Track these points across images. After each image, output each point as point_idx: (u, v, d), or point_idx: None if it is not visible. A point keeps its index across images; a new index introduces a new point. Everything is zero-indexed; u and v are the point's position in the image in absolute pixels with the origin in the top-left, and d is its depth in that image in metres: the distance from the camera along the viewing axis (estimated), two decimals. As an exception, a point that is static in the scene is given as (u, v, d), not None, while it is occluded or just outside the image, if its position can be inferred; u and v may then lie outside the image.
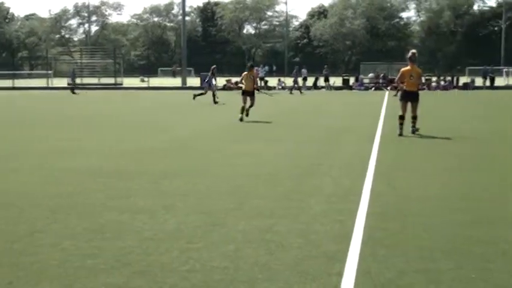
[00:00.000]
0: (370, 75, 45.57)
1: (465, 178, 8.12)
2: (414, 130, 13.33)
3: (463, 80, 45.00)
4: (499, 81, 44.81)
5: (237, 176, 8.35)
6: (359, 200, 6.70)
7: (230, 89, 42.80)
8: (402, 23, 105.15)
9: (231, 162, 9.67)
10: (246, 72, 18.22)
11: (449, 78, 43.97)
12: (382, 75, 44.03)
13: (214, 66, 27.74)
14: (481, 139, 12.58)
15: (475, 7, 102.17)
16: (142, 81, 57.46)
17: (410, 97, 13.60)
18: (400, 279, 4.22)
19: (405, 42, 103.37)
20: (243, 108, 17.22)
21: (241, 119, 16.77)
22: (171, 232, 5.48)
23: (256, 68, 31.60)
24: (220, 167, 9.18)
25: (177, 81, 54.30)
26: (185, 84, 48.79)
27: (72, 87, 40.00)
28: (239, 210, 6.30)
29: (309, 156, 10.28)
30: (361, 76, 46.03)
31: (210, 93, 26.72)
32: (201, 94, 27.60)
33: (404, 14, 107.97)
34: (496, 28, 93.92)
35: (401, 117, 13.23)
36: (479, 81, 43.05)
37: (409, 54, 13.89)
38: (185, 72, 51.27)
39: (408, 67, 13.74)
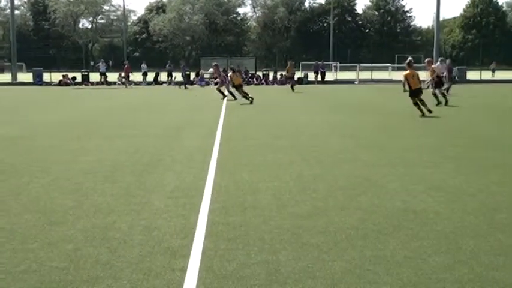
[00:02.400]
0: (211, 70, 46.02)
1: (301, 171, 8.40)
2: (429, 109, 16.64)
3: (298, 75, 47.10)
4: (329, 76, 47.52)
5: (77, 173, 8.08)
6: (202, 194, 6.75)
7: (67, 84, 41.07)
8: (239, 18, 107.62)
9: (70, 159, 9.35)
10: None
11: (285, 73, 45.76)
12: (222, 70, 44.60)
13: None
14: (319, 132, 13.21)
15: (306, 4, 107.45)
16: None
17: (418, 92, 16.57)
18: (241, 271, 4.31)
19: (243, 38, 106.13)
20: None
21: None
22: (2, 232, 5.18)
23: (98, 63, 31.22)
24: (58, 164, 8.82)
25: (6, 77, 50.93)
26: (16, 79, 45.97)
27: None
28: (78, 208, 6.10)
29: (151, 151, 10.19)
30: (202, 71, 46.39)
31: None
32: (221, 92, 25.40)
33: (241, 10, 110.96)
34: (325, 24, 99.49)
35: (416, 104, 16.58)
36: (311, 76, 45.28)
37: (407, 61, 16.99)
38: (15, 68, 48.29)
39: (408, 71, 16.66)
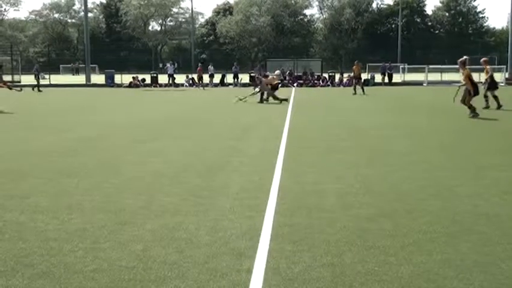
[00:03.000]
0: (277, 72, 46.13)
1: (368, 172, 8.32)
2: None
3: (364, 76, 46.53)
4: (396, 78, 46.72)
5: (145, 174, 8.24)
6: (267, 196, 6.77)
7: (136, 86, 42.12)
8: (306, 20, 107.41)
9: (139, 160, 9.54)
10: None
11: (351, 74, 45.34)
12: (288, 72, 44.76)
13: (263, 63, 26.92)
14: (384, 134, 13.03)
15: (374, 5, 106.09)
16: (43, 78, 55.36)
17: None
18: (307, 273, 4.30)
19: (309, 39, 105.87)
20: None
21: None
22: (75, 232, 5.34)
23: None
24: (127, 165, 9.03)
25: (81, 78, 52.72)
26: (89, 81, 47.53)
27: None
28: (147, 208, 6.22)
29: (217, 152, 10.30)
30: (268, 73, 46.53)
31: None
32: (253, 94, 25.85)
33: (308, 12, 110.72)
34: (393, 25, 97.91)
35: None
36: (378, 77, 44.66)
37: (463, 59, 16.60)
38: (89, 70, 49.92)
39: (466, 71, 16.27)
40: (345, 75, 44.90)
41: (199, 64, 43.34)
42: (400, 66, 51.95)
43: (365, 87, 33.17)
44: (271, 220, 5.73)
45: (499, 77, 42.83)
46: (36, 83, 38.23)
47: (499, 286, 4.02)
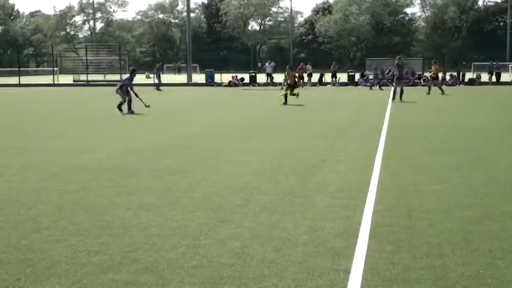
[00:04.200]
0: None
1: (472, 174, 8.08)
2: None
3: (469, 75, 44.80)
4: (505, 77, 44.60)
5: (243, 172, 8.35)
6: (365, 195, 6.69)
7: (235, 85, 42.80)
8: (407, 18, 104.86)
9: (237, 159, 9.68)
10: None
11: (455, 74, 43.78)
12: (387, 71, 43.83)
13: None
14: (490, 134, 12.53)
15: (480, 2, 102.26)
16: (148, 77, 57.53)
17: None
18: (406, 275, 4.22)
19: (410, 38, 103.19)
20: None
21: None
22: (177, 228, 5.48)
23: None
24: (226, 163, 9.18)
25: (182, 78, 54.30)
26: (191, 80, 48.81)
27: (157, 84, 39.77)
28: (245, 206, 6.30)
29: (314, 151, 10.27)
30: (367, 72, 45.87)
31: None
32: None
33: (409, 10, 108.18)
34: (501, 23, 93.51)
35: None
36: (485, 76, 42.85)
37: None
38: (190, 69, 51.27)
39: None
40: (448, 74, 43.39)
41: (302, 63, 43.47)
42: (510, 66, 49.60)
43: (470, 87, 31.82)
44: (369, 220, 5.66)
45: None
46: (157, 82, 40.11)
47: None
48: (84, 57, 52.65)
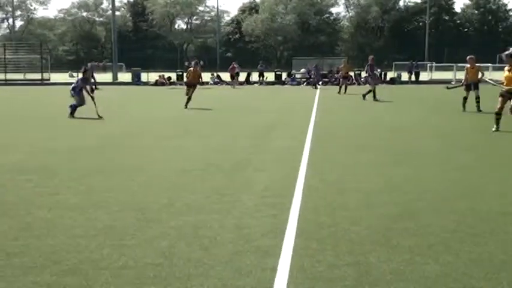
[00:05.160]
0: (302, 70, 46.12)
1: (393, 171, 8.28)
2: None
3: (390, 74, 46.18)
4: (424, 76, 46.24)
5: (169, 172, 8.29)
6: (292, 194, 6.76)
7: (162, 84, 42.36)
8: (332, 18, 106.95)
9: (163, 158, 9.60)
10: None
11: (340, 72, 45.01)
12: (313, 70, 44.60)
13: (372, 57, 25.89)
14: (411, 133, 12.93)
15: (401, 3, 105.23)
16: (71, 76, 56.02)
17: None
18: (331, 272, 4.29)
19: (335, 38, 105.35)
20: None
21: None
22: (102, 229, 5.39)
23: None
24: (152, 163, 9.09)
25: (107, 76, 53.22)
26: (116, 79, 47.92)
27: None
28: (172, 206, 6.26)
29: (241, 151, 10.31)
30: (294, 71, 46.53)
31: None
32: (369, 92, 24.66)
33: (334, 10, 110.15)
34: (420, 23, 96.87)
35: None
36: (405, 76, 44.27)
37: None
38: (115, 68, 50.34)
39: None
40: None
41: (234, 62, 43.47)
42: (428, 65, 51.43)
43: (391, 86, 32.69)
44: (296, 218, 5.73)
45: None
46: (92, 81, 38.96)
47: (527, 286, 3.96)
48: (2, 56, 50.59)
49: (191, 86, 20.94)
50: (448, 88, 19.32)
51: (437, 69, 51.70)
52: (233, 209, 6.14)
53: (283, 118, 16.77)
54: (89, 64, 41.52)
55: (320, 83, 40.48)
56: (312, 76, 39.55)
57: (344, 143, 11.33)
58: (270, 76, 45.01)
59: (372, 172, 8.19)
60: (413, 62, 45.52)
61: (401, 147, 10.68)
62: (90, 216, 5.85)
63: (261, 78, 43.86)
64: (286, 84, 42.44)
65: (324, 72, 44.75)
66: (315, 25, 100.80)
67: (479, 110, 17.74)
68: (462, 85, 18.59)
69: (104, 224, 5.57)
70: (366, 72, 26.81)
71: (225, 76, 43.19)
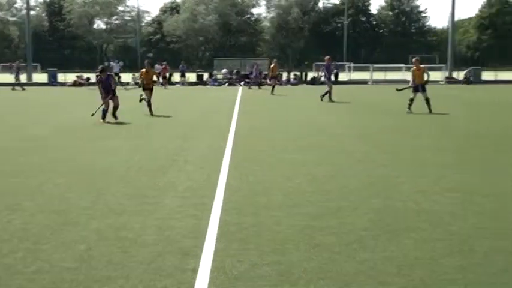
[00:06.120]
0: (224, 70, 46.19)
1: (315, 171, 8.39)
2: None
3: (311, 75, 47.01)
4: (342, 76, 47.36)
5: (91, 173, 8.13)
6: (214, 194, 6.76)
7: (81, 84, 41.31)
8: (253, 19, 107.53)
9: (85, 159, 9.42)
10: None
11: (298, 73, 45.78)
12: (235, 71, 44.82)
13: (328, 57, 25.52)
14: (333, 131, 13.18)
15: (320, 4, 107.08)
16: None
17: None
18: (253, 272, 4.31)
19: (257, 38, 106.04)
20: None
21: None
22: (16, 232, 5.24)
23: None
24: (73, 164, 8.87)
25: (22, 77, 51.25)
26: (31, 80, 46.31)
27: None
28: (92, 208, 6.13)
29: (165, 152, 10.21)
30: (215, 71, 46.52)
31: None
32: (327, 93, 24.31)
33: (255, 10, 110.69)
34: (339, 25, 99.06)
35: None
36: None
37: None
38: (30, 68, 48.64)
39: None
40: (292, 74, 45.29)
41: (165, 63, 42.89)
42: (346, 65, 52.63)
43: (311, 86, 33.17)
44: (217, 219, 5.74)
45: (439, 75, 44.07)
46: (16, 81, 37.52)
47: (438, 281, 4.11)
48: None
49: (148, 89, 18.53)
50: (398, 90, 19.54)
51: (356, 69, 53.04)
52: (155, 210, 6.08)
53: (206, 119, 16.73)
54: (16, 62, 40.01)
55: (242, 83, 40.72)
56: (253, 76, 39.68)
57: (268, 143, 11.40)
58: (191, 76, 44.79)
59: (295, 171, 8.28)
60: (333, 63, 46.47)
61: (324, 147, 10.84)
62: (3, 219, 5.67)
63: (183, 78, 43.59)
64: (207, 84, 42.37)
65: (246, 73, 45.01)
66: (236, 25, 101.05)
67: (430, 111, 17.58)
68: (410, 87, 18.49)
69: (17, 227, 5.40)
70: (322, 72, 26.79)
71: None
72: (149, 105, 17.76)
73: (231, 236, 5.16)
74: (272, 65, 32.42)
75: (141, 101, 18.48)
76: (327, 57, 25.65)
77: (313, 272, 4.31)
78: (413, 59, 19.00)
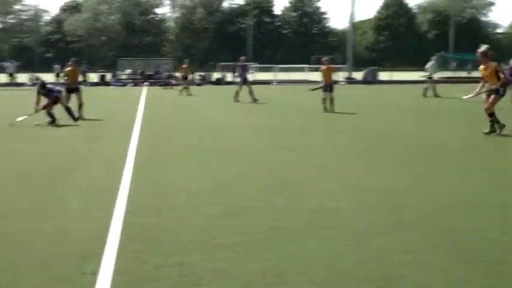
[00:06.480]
0: (128, 71, 45.46)
1: (220, 170, 8.41)
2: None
3: (216, 75, 47.13)
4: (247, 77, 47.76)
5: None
6: (117, 196, 6.63)
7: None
8: (157, 18, 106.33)
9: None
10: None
11: (202, 73, 45.78)
12: (139, 71, 44.24)
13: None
14: (236, 131, 13.26)
15: (225, 4, 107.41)
16: None
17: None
18: (156, 273, 4.25)
19: (161, 38, 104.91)
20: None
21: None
22: None
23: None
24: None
25: None
26: None
27: None
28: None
29: (66, 153, 9.92)
30: (119, 72, 45.67)
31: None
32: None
33: (159, 10, 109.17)
34: (243, 25, 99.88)
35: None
36: (229, 76, 45.45)
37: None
38: None
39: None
40: (197, 74, 45.21)
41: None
42: (251, 66, 53.14)
43: (217, 86, 33.23)
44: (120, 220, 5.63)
45: (340, 75, 45.44)
46: None
47: (340, 278, 4.18)
48: None
49: (74, 90, 16.95)
50: (311, 90, 19.82)
51: (261, 70, 53.68)
52: (54, 213, 5.89)
53: (110, 119, 16.36)
54: None
55: (147, 83, 40.21)
56: (163, 76, 39.23)
57: (172, 143, 11.33)
58: (93, 77, 43.68)
59: (199, 172, 8.25)
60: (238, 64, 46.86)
61: (230, 147, 10.87)
62: None
63: (84, 79, 42.43)
64: (111, 85, 41.48)
65: (151, 73, 44.51)
66: (140, 25, 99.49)
67: (332, 111, 18.02)
68: (321, 87, 18.80)
69: None
70: (237, 72, 26.69)
71: (47, 77, 41.02)
72: (68, 109, 15.54)
73: (134, 238, 5.07)
74: (184, 66, 32.25)
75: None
76: (242, 58, 25.98)
77: (217, 272, 4.29)
78: (324, 59, 19.51)
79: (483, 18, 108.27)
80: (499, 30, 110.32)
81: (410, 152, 10.19)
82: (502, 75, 12.46)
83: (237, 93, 23.84)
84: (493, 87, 12.40)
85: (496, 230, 5.27)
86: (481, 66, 12.66)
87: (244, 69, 25.37)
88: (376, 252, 4.72)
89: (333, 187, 7.20)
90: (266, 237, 5.15)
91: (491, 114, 12.31)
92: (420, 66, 33.68)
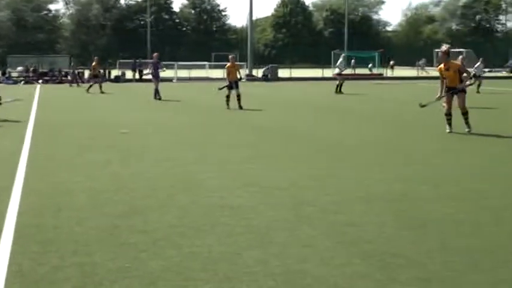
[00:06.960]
0: (19, 68, 43.62)
1: (118, 170, 8.26)
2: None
3: (115, 72, 46.10)
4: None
5: None
6: (9, 196, 6.40)
7: None
8: (51, 15, 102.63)
9: None
10: None
11: (101, 71, 44.56)
12: (32, 68, 42.53)
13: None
14: (135, 131, 13.03)
15: (122, 1, 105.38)
16: None
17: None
18: (54, 274, 4.13)
19: (56, 35, 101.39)
20: None
21: None
22: None
23: None
24: None
25: None
26: None
27: None
28: None
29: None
30: (9, 69, 43.73)
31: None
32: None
33: (52, 7, 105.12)
34: (142, 22, 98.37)
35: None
36: (129, 74, 44.64)
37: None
38: None
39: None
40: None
41: None
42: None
43: (116, 84, 32.54)
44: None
45: (242, 73, 45.77)
46: None
47: (241, 275, 4.19)
48: None
49: None
50: (219, 89, 19.66)
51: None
52: None
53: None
54: None
55: (40, 81, 38.73)
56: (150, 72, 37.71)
57: (69, 142, 11.00)
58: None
59: (99, 171, 8.07)
60: (137, 61, 46.18)
61: (130, 145, 10.68)
62: None
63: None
64: (1, 83, 39.55)
65: (45, 70, 42.98)
66: (32, 22, 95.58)
67: (240, 107, 18.04)
68: (227, 86, 18.83)
69: None
70: (150, 70, 25.98)
71: None
72: None
73: (29, 239, 4.90)
74: (94, 63, 31.23)
75: None
76: (155, 54, 25.62)
77: (118, 271, 4.21)
78: (230, 57, 19.73)
79: (375, 17, 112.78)
80: (389, 28, 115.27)
81: (311, 149, 10.39)
82: (465, 75, 12.70)
83: (156, 91, 23.41)
84: (460, 86, 12.30)
85: (391, 224, 5.48)
86: (441, 66, 12.38)
87: (157, 66, 24.88)
88: (278, 248, 4.76)
89: (234, 184, 7.23)
90: (167, 235, 5.11)
91: (465, 113, 12.21)
92: (317, 64, 34.63)
